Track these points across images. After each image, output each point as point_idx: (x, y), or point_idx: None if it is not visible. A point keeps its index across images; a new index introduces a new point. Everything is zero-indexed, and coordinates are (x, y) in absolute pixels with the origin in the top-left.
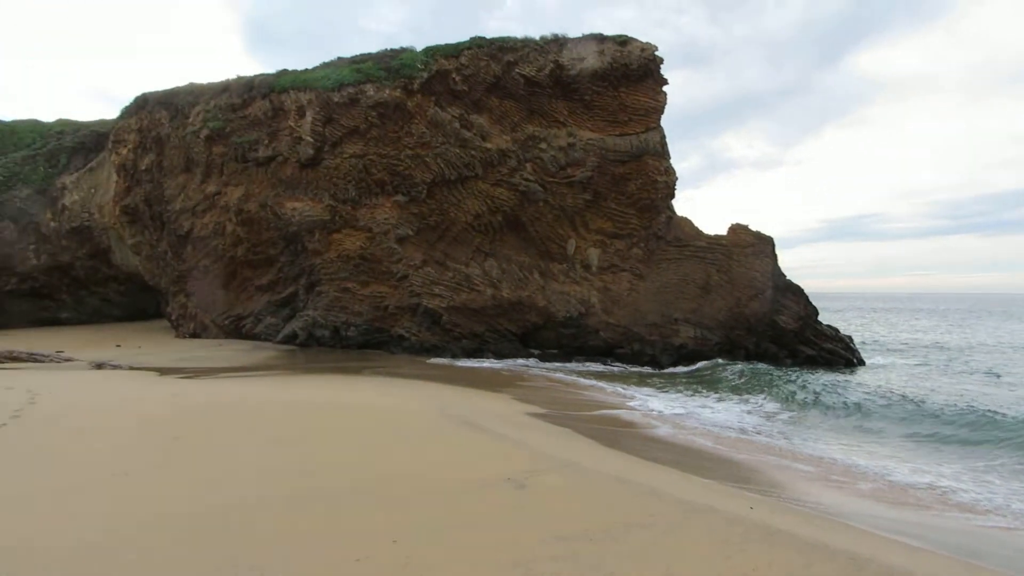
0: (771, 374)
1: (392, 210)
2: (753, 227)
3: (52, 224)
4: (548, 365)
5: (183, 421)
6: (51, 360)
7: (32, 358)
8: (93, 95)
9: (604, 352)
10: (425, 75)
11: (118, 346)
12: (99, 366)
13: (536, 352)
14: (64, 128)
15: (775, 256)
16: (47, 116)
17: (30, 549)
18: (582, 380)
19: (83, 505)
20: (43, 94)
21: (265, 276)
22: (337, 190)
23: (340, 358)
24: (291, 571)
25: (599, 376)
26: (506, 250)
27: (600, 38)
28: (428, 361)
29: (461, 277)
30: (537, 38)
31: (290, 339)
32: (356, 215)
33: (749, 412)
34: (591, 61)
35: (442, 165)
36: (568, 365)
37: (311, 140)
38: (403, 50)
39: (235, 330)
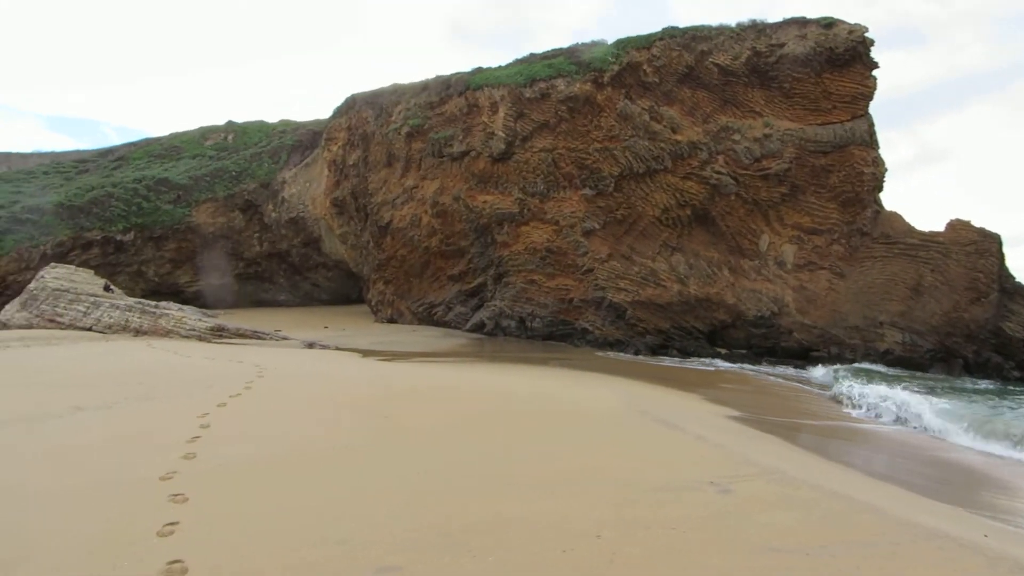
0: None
1: (579, 203)
2: (977, 223)
3: (273, 215)
4: (737, 365)
5: (390, 402)
6: (271, 338)
7: (256, 335)
8: (310, 95)
9: (798, 355)
10: (615, 68)
11: (326, 328)
12: (310, 345)
13: (723, 351)
14: (285, 127)
15: (1002, 255)
16: (272, 117)
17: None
18: (778, 382)
19: (312, 476)
20: (268, 95)
21: (456, 266)
22: (526, 184)
23: (525, 348)
24: (501, 555)
25: (796, 380)
26: (694, 245)
27: (802, 22)
28: (612, 355)
29: (647, 272)
30: (733, 25)
31: (478, 328)
32: (544, 208)
33: (981, 431)
34: (792, 46)
35: (630, 158)
36: (759, 368)
37: (503, 135)
38: (594, 44)
39: (427, 317)
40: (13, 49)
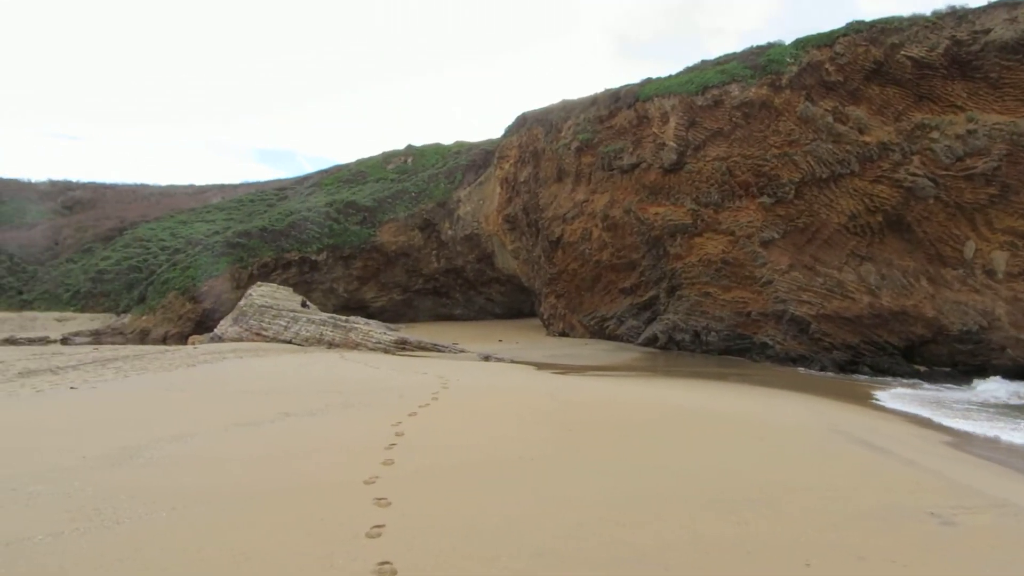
0: None
1: (756, 212)
2: None
3: (449, 232)
4: (939, 385)
5: (570, 414)
6: (449, 351)
7: (435, 348)
8: (481, 117)
9: (1015, 373)
10: (794, 69)
11: (500, 341)
12: (486, 358)
13: (922, 369)
14: (460, 148)
15: None
16: (447, 139)
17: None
18: (992, 401)
19: (503, 485)
20: (443, 119)
21: (628, 280)
22: (699, 194)
23: (700, 363)
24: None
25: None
26: (886, 253)
27: (1011, 4)
28: (796, 371)
29: (833, 283)
30: (928, 14)
31: (650, 342)
32: (718, 219)
33: None
34: (1000, 32)
35: (812, 163)
36: (963, 388)
37: (674, 145)
38: (770, 45)
39: (599, 331)
40: (223, 86)
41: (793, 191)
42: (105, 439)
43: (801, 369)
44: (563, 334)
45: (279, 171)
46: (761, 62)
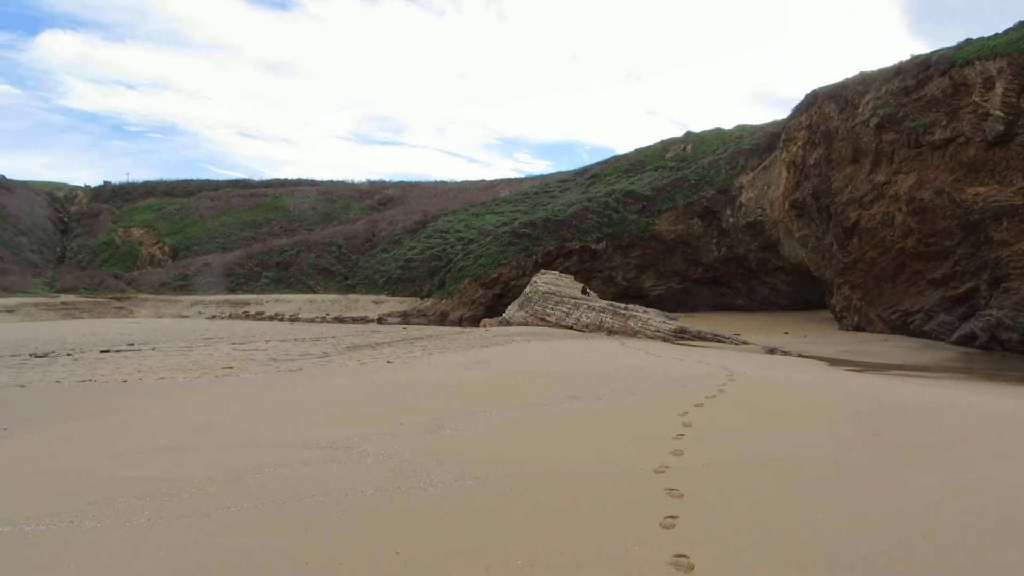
0: None
1: None
2: None
3: (730, 220)
4: None
5: (877, 416)
6: (730, 342)
7: (715, 339)
8: (760, 98)
9: None
10: None
11: (785, 333)
12: (771, 351)
13: None
14: (742, 133)
15: None
16: (728, 123)
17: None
18: None
19: (803, 490)
20: (721, 102)
21: (938, 269)
22: None
23: None
24: None
25: None
26: None
27: None
28: None
29: None
30: None
31: (966, 340)
32: None
33: None
34: None
35: None
36: None
37: (1001, 114)
38: None
39: (901, 326)
40: (504, 86)
41: None
42: (416, 409)
43: None
44: (858, 328)
45: (560, 164)
46: None
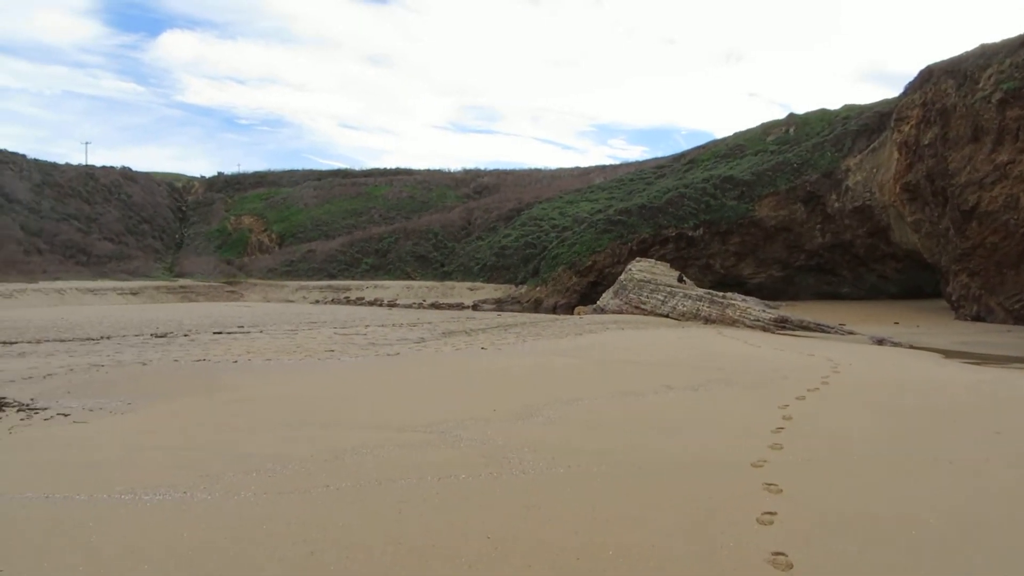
0: None
1: None
2: None
3: (836, 205)
4: None
5: (1002, 415)
6: (835, 332)
7: (819, 328)
8: (869, 76)
9: None
10: None
11: (896, 323)
12: (879, 342)
13: None
14: (849, 113)
15: None
16: (834, 103)
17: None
18: None
19: (909, 487)
20: (826, 82)
21: None
22: None
23: None
24: None
25: None
26: None
27: None
28: None
29: None
30: None
31: None
32: None
33: None
34: None
35: None
36: None
37: None
38: None
39: None
40: (596, 72)
41: None
42: (510, 396)
43: None
44: (977, 318)
45: (656, 150)
46: None
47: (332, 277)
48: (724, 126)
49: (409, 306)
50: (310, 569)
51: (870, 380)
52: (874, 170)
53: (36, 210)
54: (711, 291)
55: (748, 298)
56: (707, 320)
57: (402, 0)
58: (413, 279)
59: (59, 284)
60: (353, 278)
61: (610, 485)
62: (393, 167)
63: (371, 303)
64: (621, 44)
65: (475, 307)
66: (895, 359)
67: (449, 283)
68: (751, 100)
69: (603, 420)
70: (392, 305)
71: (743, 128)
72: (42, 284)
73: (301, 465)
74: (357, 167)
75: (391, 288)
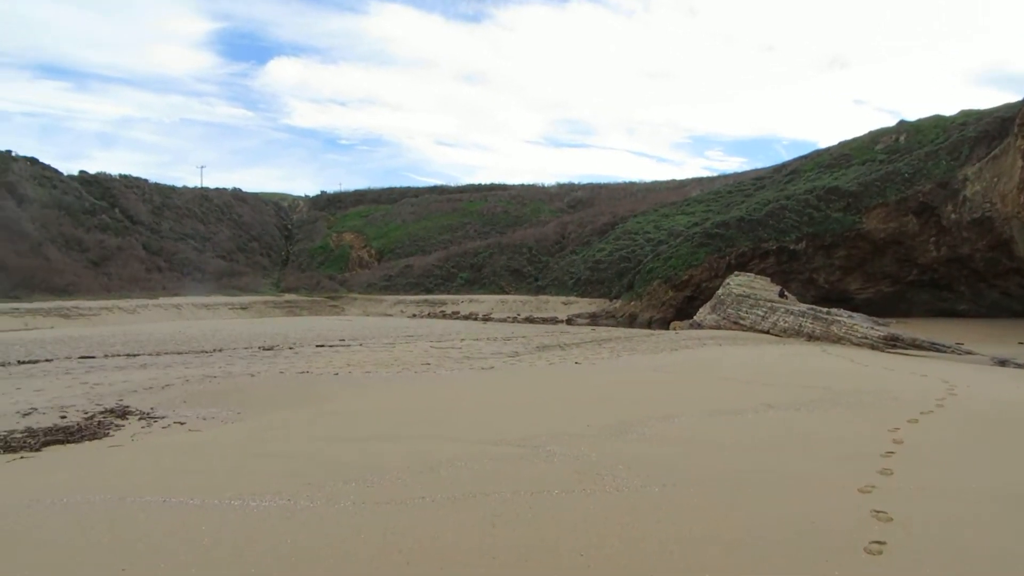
0: None
1: None
2: None
3: (952, 216)
4: None
5: None
6: (950, 351)
7: (933, 347)
8: (988, 79)
9: None
10: None
11: (1021, 343)
12: (1001, 363)
13: None
14: (966, 119)
15: None
16: (948, 110)
17: None
18: None
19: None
20: (940, 86)
21: None
22: None
23: None
24: None
25: None
26: None
27: None
28: None
29: None
30: None
31: None
32: None
33: None
34: None
35: None
36: None
37: None
38: None
39: None
40: (685, 81)
41: None
42: (603, 411)
43: None
44: None
45: (755, 161)
46: None
47: (428, 291)
48: (828, 135)
49: (503, 320)
50: None
51: (990, 404)
52: (995, 179)
53: (156, 230)
54: (814, 307)
55: (855, 314)
56: (810, 337)
57: (496, 18)
58: (507, 293)
59: (177, 300)
60: (449, 292)
61: (707, 506)
62: (488, 183)
63: (466, 317)
64: (718, 53)
65: (569, 321)
66: (1019, 382)
67: (543, 297)
68: (857, 108)
69: (700, 438)
70: (487, 319)
71: (849, 137)
72: (161, 300)
73: (398, 476)
74: (453, 183)
75: (486, 302)
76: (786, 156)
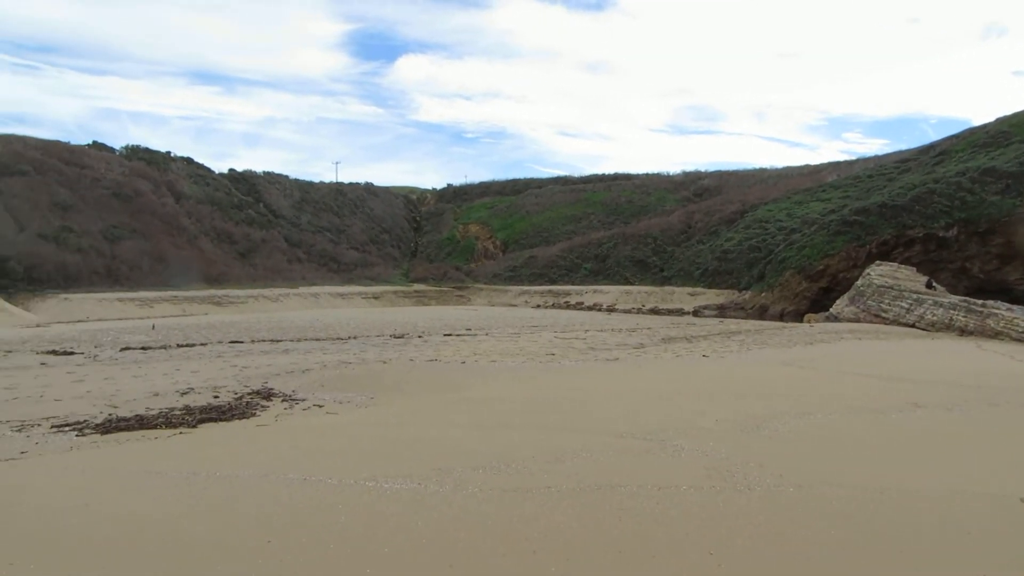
0: None
1: None
2: None
3: None
4: None
5: None
6: None
7: None
8: None
9: None
10: None
11: None
12: None
13: None
14: None
15: None
16: None
17: None
18: None
19: None
20: None
21: None
22: None
23: None
24: None
25: None
26: None
27: None
28: None
29: None
30: None
31: None
32: None
33: None
34: None
35: None
36: None
37: None
38: None
39: None
40: (823, 59)
41: None
42: (733, 406)
43: None
44: None
45: (898, 142)
46: None
47: (552, 282)
48: (983, 111)
49: (628, 311)
50: (534, 568)
51: None
52: None
53: (296, 224)
54: (968, 299)
55: (1015, 307)
56: (962, 331)
57: (619, 5)
58: (632, 284)
59: (315, 289)
60: (572, 283)
61: (845, 511)
62: (611, 172)
63: (590, 308)
64: (856, 28)
65: (695, 313)
66: None
67: (668, 288)
68: (1017, 80)
69: (837, 438)
70: (611, 310)
71: (1008, 112)
72: (301, 289)
73: (523, 465)
74: (576, 174)
75: (610, 293)
76: (934, 136)
